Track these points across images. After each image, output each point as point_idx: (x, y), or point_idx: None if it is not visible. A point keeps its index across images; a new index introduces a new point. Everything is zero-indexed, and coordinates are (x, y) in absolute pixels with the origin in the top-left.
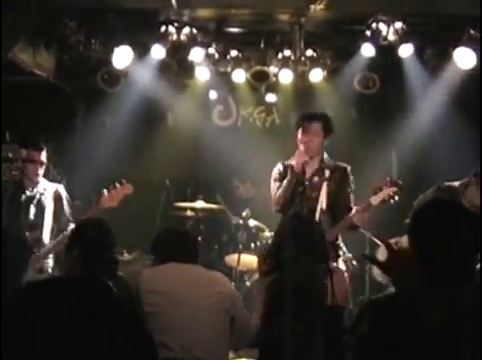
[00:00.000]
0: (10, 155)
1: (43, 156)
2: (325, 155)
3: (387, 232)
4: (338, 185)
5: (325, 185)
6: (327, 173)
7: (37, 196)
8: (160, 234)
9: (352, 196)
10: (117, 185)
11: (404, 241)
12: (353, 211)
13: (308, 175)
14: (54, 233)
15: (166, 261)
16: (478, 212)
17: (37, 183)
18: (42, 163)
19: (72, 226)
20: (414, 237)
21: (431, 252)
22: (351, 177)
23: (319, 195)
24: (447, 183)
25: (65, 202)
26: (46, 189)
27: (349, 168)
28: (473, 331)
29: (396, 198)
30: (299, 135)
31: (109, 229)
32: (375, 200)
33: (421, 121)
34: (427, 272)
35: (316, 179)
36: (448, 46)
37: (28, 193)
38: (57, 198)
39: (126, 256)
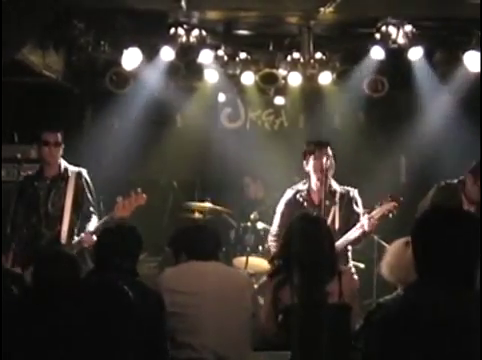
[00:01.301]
0: (19, 156)
1: (59, 137)
2: (332, 180)
3: (399, 235)
4: (348, 208)
5: (336, 209)
6: (337, 197)
7: (58, 182)
8: (181, 231)
9: (361, 217)
10: (132, 194)
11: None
12: (358, 227)
13: (318, 200)
14: (75, 226)
15: (188, 259)
16: (476, 208)
17: (58, 167)
18: (57, 144)
19: (94, 219)
20: (415, 242)
21: (431, 258)
22: (359, 199)
23: (329, 217)
24: (446, 182)
25: (88, 189)
26: (67, 171)
27: (356, 191)
28: (473, 337)
29: (395, 213)
30: (312, 161)
31: (134, 235)
32: (376, 214)
33: (430, 124)
34: (427, 277)
35: (327, 203)
36: (458, 49)
37: (48, 182)
38: (79, 183)
39: None
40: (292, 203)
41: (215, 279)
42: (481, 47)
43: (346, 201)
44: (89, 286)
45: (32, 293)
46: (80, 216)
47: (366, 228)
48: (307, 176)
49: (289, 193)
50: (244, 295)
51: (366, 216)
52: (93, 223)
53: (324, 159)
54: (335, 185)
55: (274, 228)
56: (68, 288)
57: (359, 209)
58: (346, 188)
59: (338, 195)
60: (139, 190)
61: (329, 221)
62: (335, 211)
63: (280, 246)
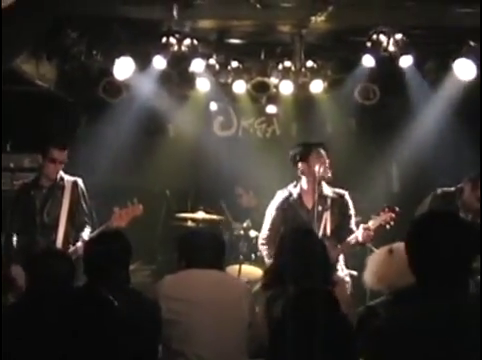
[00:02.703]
0: (11, 165)
1: (66, 156)
2: (324, 183)
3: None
4: (340, 211)
5: (328, 213)
6: (329, 201)
7: (54, 191)
8: (183, 237)
9: (353, 219)
10: (128, 204)
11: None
12: (352, 237)
13: (311, 204)
14: (71, 236)
15: (190, 266)
16: (473, 216)
17: (55, 180)
18: (63, 162)
19: (88, 229)
20: (411, 248)
21: (427, 263)
22: (350, 202)
23: (321, 222)
24: (442, 189)
25: (83, 199)
26: (63, 181)
27: (347, 194)
28: (468, 340)
29: (392, 223)
30: (309, 165)
31: (122, 241)
32: (373, 225)
33: (421, 132)
34: (423, 282)
35: (319, 208)
36: (448, 57)
37: (44, 191)
38: (75, 193)
39: None
40: (283, 206)
41: (212, 288)
42: (481, 54)
43: (338, 205)
44: (72, 297)
45: (25, 297)
46: (75, 226)
47: (360, 239)
48: (299, 178)
49: (280, 196)
50: (241, 305)
51: (362, 227)
52: (87, 233)
53: (318, 162)
54: (326, 189)
55: (264, 231)
56: (63, 286)
57: (351, 212)
58: (337, 191)
59: (330, 199)
60: (135, 201)
61: (322, 226)
62: (327, 216)
63: (273, 259)
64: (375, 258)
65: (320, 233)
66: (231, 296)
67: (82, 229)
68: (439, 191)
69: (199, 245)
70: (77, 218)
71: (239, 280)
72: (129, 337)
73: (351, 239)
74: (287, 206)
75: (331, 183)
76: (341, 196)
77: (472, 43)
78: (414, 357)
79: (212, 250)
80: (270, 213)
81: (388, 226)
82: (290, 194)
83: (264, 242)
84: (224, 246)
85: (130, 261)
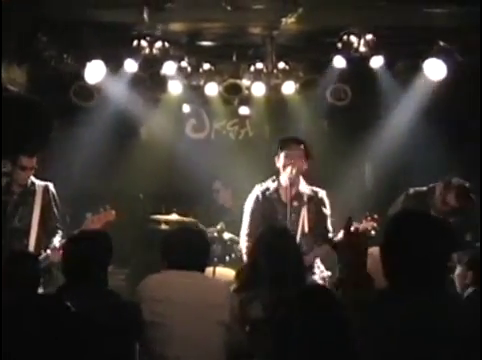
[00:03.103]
0: None
1: (35, 162)
2: (301, 180)
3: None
4: (316, 209)
5: (305, 210)
6: (305, 198)
7: (25, 196)
8: (169, 236)
9: (329, 219)
10: (101, 210)
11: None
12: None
13: (287, 200)
14: (41, 241)
15: (172, 266)
16: (444, 216)
17: (26, 185)
18: (33, 168)
19: (59, 235)
20: (385, 247)
21: (401, 262)
22: (327, 201)
23: (299, 219)
24: (415, 189)
25: (54, 203)
26: (34, 186)
27: (325, 193)
28: (443, 340)
29: (373, 232)
30: (283, 159)
31: (104, 242)
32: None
33: (393, 131)
34: (397, 281)
35: (295, 204)
36: (418, 57)
37: (15, 197)
38: (46, 198)
39: None
40: (261, 201)
41: (194, 290)
42: (481, 54)
43: (315, 202)
44: (24, 305)
45: None
46: (47, 231)
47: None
48: (277, 173)
49: (257, 190)
50: (223, 307)
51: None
52: (58, 238)
53: (296, 157)
54: (304, 186)
55: (245, 226)
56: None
57: (327, 211)
58: (314, 189)
59: (306, 196)
60: (108, 206)
61: (300, 222)
62: (304, 213)
63: (247, 261)
64: None
65: (298, 229)
66: (213, 298)
67: (53, 235)
68: (411, 191)
69: (182, 245)
70: (48, 224)
71: (221, 281)
72: (104, 340)
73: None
74: (264, 200)
75: (308, 181)
76: (318, 194)
77: (442, 43)
78: (392, 357)
79: (195, 251)
80: (248, 207)
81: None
82: (267, 188)
83: (246, 239)
84: (208, 246)
85: (108, 262)
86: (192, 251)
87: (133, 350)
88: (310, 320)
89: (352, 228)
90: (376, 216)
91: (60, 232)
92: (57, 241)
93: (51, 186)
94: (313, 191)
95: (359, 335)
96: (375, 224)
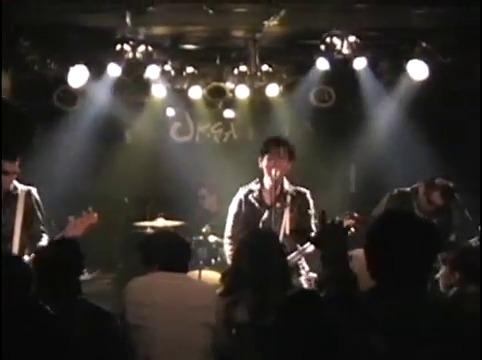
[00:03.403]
0: None
1: (17, 166)
2: (285, 180)
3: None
4: (300, 210)
5: (288, 211)
6: (289, 199)
7: (8, 201)
8: (150, 239)
9: (313, 219)
10: (83, 213)
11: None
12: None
13: (271, 201)
14: (25, 246)
15: (157, 269)
16: (428, 216)
17: (8, 190)
18: (15, 172)
19: (45, 238)
20: (369, 247)
21: (384, 263)
22: (311, 201)
23: (282, 220)
24: (398, 190)
25: (38, 208)
26: (17, 190)
27: (309, 193)
28: (425, 340)
29: (353, 230)
30: (266, 161)
31: (73, 249)
32: None
33: (377, 132)
34: (380, 282)
35: (278, 205)
36: (401, 59)
37: None
38: (28, 202)
39: (86, 275)
40: (244, 203)
41: (179, 292)
42: (481, 53)
43: (298, 203)
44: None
45: None
46: (31, 235)
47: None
48: (262, 175)
49: (241, 193)
50: (207, 311)
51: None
52: (45, 242)
53: (280, 158)
54: (287, 186)
55: (228, 229)
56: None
57: (311, 211)
58: (298, 189)
59: (290, 197)
60: (90, 209)
61: (282, 224)
62: (286, 214)
63: (231, 264)
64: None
65: (281, 232)
66: (198, 299)
67: (39, 239)
68: (395, 191)
69: (164, 248)
70: (33, 228)
71: (206, 283)
72: (75, 348)
73: (309, 245)
74: (247, 203)
75: (292, 182)
76: (302, 194)
77: (424, 44)
78: (378, 355)
79: (177, 253)
80: (232, 211)
81: (349, 232)
82: (251, 190)
83: (229, 242)
84: (189, 248)
85: (81, 270)
86: (174, 253)
87: (106, 356)
88: (298, 324)
89: (328, 221)
90: (356, 214)
91: (45, 236)
92: (45, 242)
93: (34, 190)
94: (297, 191)
95: (344, 334)
96: (354, 222)
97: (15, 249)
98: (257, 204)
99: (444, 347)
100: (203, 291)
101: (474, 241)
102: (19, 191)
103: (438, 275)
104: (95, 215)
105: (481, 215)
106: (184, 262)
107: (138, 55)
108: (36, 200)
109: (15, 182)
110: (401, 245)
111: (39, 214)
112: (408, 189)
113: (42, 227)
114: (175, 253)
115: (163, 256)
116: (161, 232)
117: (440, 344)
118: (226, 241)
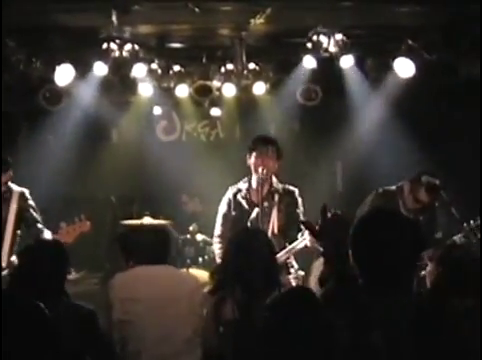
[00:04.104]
0: None
1: (9, 175)
2: (274, 179)
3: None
4: (288, 208)
5: (275, 209)
6: (276, 197)
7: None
8: (126, 234)
9: (302, 217)
10: (76, 220)
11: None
12: (299, 242)
13: (258, 200)
14: (16, 246)
15: (137, 263)
16: (413, 215)
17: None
18: (6, 183)
19: (47, 232)
20: (353, 247)
21: (368, 262)
22: (300, 199)
23: (270, 219)
24: (384, 188)
25: (32, 208)
26: (10, 190)
27: (297, 191)
28: (409, 341)
29: None
30: (253, 159)
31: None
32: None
33: (364, 130)
34: (365, 281)
35: (266, 204)
36: (388, 56)
37: None
38: (21, 204)
39: (73, 275)
40: (232, 203)
41: (163, 283)
42: (481, 53)
43: (286, 201)
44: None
45: None
46: (31, 235)
47: (309, 244)
48: (249, 173)
49: (230, 192)
50: (192, 298)
51: (307, 232)
52: (48, 235)
53: (267, 157)
54: (276, 184)
55: (217, 228)
56: None
57: (300, 209)
58: (287, 187)
59: (277, 195)
60: (83, 217)
61: (270, 223)
62: (274, 213)
63: (220, 261)
64: (318, 265)
65: (269, 230)
66: (182, 290)
67: (40, 235)
68: (380, 190)
69: (142, 242)
70: (30, 229)
71: (188, 274)
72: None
73: (298, 244)
74: (235, 202)
75: (281, 181)
76: (290, 192)
77: (411, 42)
78: (363, 354)
79: (156, 245)
80: (221, 210)
81: None
82: (239, 190)
83: (218, 240)
84: (168, 239)
85: (65, 272)
86: (153, 246)
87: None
88: (292, 323)
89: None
90: (339, 212)
91: (46, 231)
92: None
93: (27, 192)
94: (285, 189)
95: (339, 333)
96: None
97: (5, 250)
98: (245, 203)
99: (429, 346)
100: (183, 279)
101: (458, 238)
102: (12, 193)
103: (424, 272)
104: (88, 223)
105: (481, 213)
106: (164, 253)
107: (124, 54)
108: (29, 201)
109: (8, 182)
110: (385, 243)
111: (34, 213)
112: (393, 187)
113: (40, 225)
114: (153, 246)
115: (141, 250)
116: (138, 227)
117: (424, 343)
118: (215, 240)
